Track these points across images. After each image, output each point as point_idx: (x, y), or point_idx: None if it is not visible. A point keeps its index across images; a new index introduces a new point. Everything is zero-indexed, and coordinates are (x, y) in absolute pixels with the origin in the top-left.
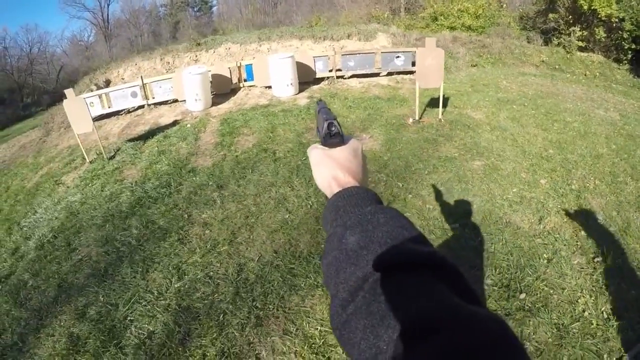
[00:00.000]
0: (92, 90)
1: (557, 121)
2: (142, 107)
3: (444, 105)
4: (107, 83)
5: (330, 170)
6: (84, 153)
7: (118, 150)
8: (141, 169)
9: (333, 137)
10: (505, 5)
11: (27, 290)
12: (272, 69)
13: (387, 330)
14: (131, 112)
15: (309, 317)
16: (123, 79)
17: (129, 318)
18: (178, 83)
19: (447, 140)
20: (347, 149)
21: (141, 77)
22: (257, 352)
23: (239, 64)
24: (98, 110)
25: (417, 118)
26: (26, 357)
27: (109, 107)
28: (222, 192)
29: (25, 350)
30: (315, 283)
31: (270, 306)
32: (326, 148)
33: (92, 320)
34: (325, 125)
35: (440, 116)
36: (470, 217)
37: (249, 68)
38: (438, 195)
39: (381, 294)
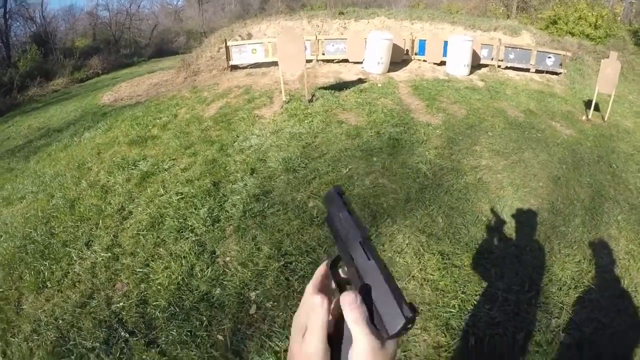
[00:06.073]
0: (236, 40)
1: None
2: (309, 61)
3: (595, 109)
4: (249, 36)
5: None
6: (283, 93)
7: (313, 96)
8: (358, 114)
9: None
10: (620, 18)
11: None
12: (451, 48)
13: None
14: None
15: None
16: (265, 34)
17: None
18: (354, 45)
19: (618, 139)
20: (395, 343)
21: (316, 34)
22: None
23: (413, 38)
24: (261, 58)
25: (589, 117)
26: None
27: (273, 56)
28: (481, 146)
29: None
30: None
31: None
32: (376, 335)
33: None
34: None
35: (606, 118)
36: None
37: (422, 43)
38: None
39: None
